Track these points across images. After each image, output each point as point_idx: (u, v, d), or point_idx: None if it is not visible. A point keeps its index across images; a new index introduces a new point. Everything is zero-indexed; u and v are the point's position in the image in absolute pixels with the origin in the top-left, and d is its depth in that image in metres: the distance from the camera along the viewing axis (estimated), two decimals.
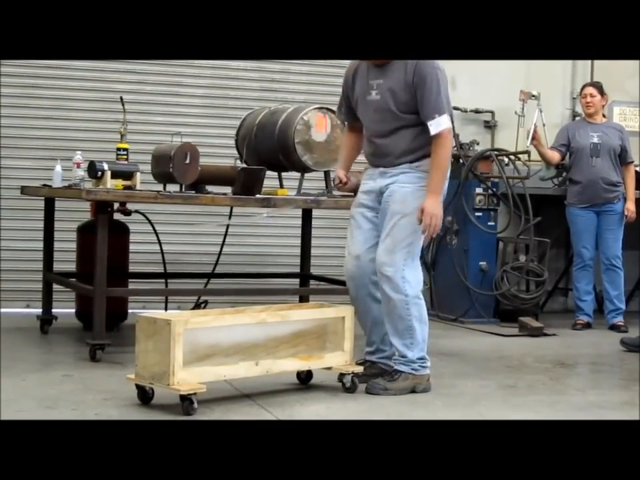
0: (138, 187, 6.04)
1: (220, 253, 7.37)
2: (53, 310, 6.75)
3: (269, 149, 6.60)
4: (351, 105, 5.26)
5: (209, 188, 6.26)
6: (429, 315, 5.19)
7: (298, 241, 7.58)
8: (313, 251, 7.55)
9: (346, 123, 5.51)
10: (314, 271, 7.58)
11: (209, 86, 8.27)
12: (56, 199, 6.66)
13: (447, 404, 4.85)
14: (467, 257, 8.00)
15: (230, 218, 7.24)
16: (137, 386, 4.57)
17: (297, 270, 7.61)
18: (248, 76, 8.34)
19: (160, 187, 6.22)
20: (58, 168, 6.40)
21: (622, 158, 7.91)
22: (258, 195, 6.06)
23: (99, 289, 5.67)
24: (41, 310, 6.77)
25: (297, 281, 7.61)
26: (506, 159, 8.21)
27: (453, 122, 5.12)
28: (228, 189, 6.15)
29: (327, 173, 6.57)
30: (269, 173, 6.33)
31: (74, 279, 6.55)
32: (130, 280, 6.96)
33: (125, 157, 6.25)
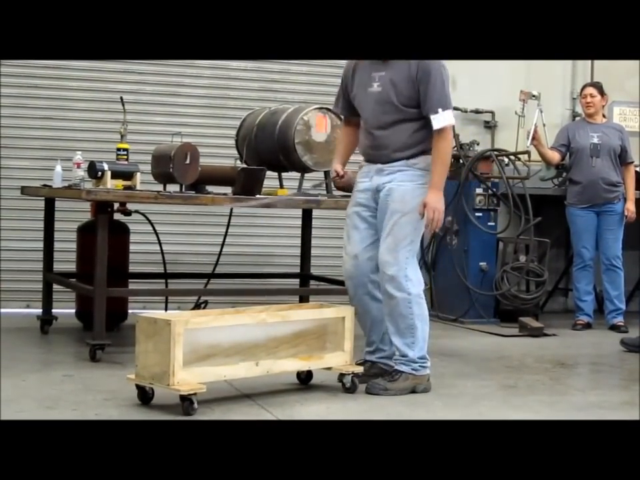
0: (138, 187, 6.04)
1: (220, 253, 7.37)
2: (53, 310, 6.75)
3: (269, 149, 6.60)
4: (348, 99, 5.25)
5: (209, 188, 6.26)
6: (429, 315, 5.19)
7: (298, 241, 7.58)
8: (313, 251, 7.56)
9: (342, 117, 5.51)
10: (314, 271, 7.58)
11: (209, 86, 8.27)
12: (56, 199, 6.65)
13: (447, 404, 4.85)
14: (467, 257, 8.00)
15: (230, 218, 7.24)
16: (137, 386, 4.57)
17: (297, 270, 7.61)
18: (248, 76, 8.34)
19: (160, 187, 6.22)
20: (58, 168, 6.40)
21: (622, 158, 7.91)
22: (258, 195, 6.05)
23: (99, 289, 5.67)
24: (41, 310, 6.77)
25: (297, 281, 7.61)
26: (506, 159, 8.21)
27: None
28: (228, 189, 6.15)
29: (327, 173, 6.57)
30: (269, 173, 6.33)
31: (74, 279, 6.55)
32: (130, 280, 6.95)
33: (125, 157, 6.25)
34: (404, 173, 5.04)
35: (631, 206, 7.86)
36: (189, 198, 5.99)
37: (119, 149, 6.26)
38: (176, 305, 7.60)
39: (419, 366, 5.07)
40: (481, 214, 8.01)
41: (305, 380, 5.18)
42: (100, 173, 5.95)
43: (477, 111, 8.81)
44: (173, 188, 6.13)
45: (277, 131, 6.49)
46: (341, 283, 6.50)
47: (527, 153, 8.01)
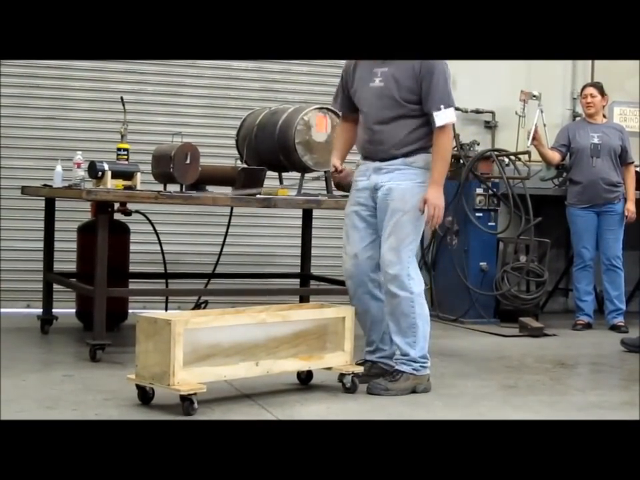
0: (138, 187, 6.04)
1: (220, 253, 7.37)
2: (54, 310, 6.75)
3: (269, 149, 6.60)
4: (348, 95, 5.24)
5: (210, 188, 6.26)
6: (429, 315, 5.19)
7: (298, 241, 7.58)
8: (313, 251, 7.56)
9: (340, 114, 5.50)
10: (314, 271, 7.58)
11: (210, 86, 8.27)
12: (56, 199, 6.65)
13: (447, 404, 4.85)
14: (467, 257, 8.00)
15: (230, 218, 7.24)
16: (137, 386, 4.57)
17: (297, 270, 7.61)
18: (248, 76, 8.34)
19: (160, 187, 6.22)
20: (58, 168, 6.40)
21: (622, 158, 7.91)
22: (258, 195, 6.06)
23: (99, 289, 5.67)
24: (41, 310, 6.77)
25: (297, 281, 7.61)
26: (506, 160, 8.20)
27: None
28: (228, 189, 6.15)
29: (327, 173, 6.56)
30: (269, 173, 6.33)
31: (74, 279, 6.55)
32: (130, 280, 6.96)
33: (126, 157, 6.25)
34: (402, 172, 5.05)
35: (631, 206, 7.86)
36: (189, 198, 5.99)
37: (119, 149, 6.27)
38: (176, 305, 7.60)
39: (420, 366, 5.07)
40: (481, 214, 8.01)
41: (305, 380, 5.18)
42: (100, 173, 5.95)
43: (477, 111, 8.81)
44: (173, 188, 6.13)
45: (277, 130, 6.49)
46: (341, 283, 6.51)
47: (527, 153, 8.01)
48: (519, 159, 8.21)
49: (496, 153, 8.17)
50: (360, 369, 5.09)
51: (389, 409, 4.69)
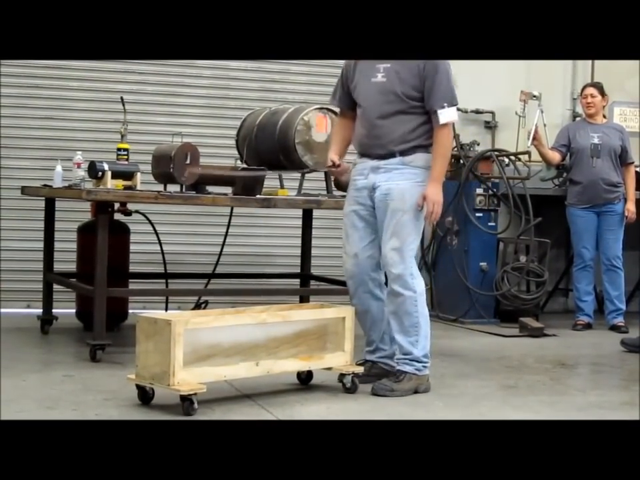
0: (138, 187, 6.04)
1: (220, 253, 7.37)
2: (54, 310, 6.75)
3: (269, 149, 6.60)
4: (347, 91, 5.23)
5: (210, 188, 6.26)
6: (429, 316, 5.20)
7: (298, 241, 7.58)
8: (314, 251, 7.55)
9: (338, 110, 5.50)
10: (314, 271, 7.58)
11: (209, 86, 8.27)
12: (56, 199, 6.65)
13: (448, 404, 4.85)
14: (467, 257, 8.00)
15: (230, 218, 7.24)
16: (138, 386, 4.57)
17: (298, 270, 7.61)
18: (248, 76, 8.34)
19: (160, 187, 6.21)
20: (58, 168, 6.40)
21: (622, 158, 7.91)
22: (258, 196, 6.05)
23: (99, 289, 5.66)
24: (41, 310, 6.77)
25: (297, 281, 7.61)
26: (506, 160, 8.20)
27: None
28: (228, 190, 6.14)
29: (327, 173, 6.56)
30: (269, 173, 6.32)
31: (74, 279, 6.55)
32: (130, 280, 6.95)
33: (126, 157, 6.25)
34: (401, 172, 5.05)
35: (631, 206, 7.86)
36: (189, 198, 5.99)
37: (119, 149, 6.26)
38: (176, 305, 7.60)
39: (422, 366, 5.07)
40: (481, 214, 8.01)
41: (305, 380, 5.18)
42: (100, 173, 5.95)
43: (477, 111, 8.81)
44: (173, 188, 6.13)
45: (278, 131, 6.49)
46: (341, 283, 6.51)
47: (528, 153, 8.01)
48: (519, 159, 8.21)
49: (496, 153, 8.17)
50: (360, 369, 5.09)
51: (388, 409, 4.69)
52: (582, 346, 7.09)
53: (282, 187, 6.65)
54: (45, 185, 6.61)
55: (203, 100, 8.26)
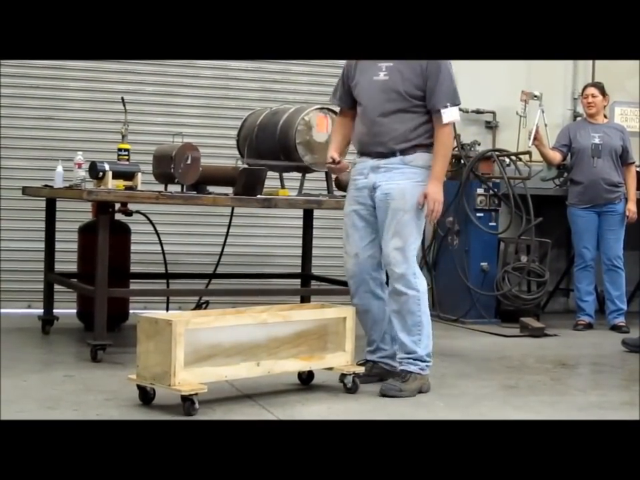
0: (139, 188, 6.04)
1: (221, 254, 7.37)
2: (54, 310, 6.75)
3: (270, 149, 6.59)
4: (348, 89, 5.24)
5: (210, 188, 6.26)
6: (430, 316, 5.20)
7: (299, 242, 7.58)
8: (314, 252, 7.55)
9: (338, 109, 5.50)
10: (315, 271, 7.58)
11: (210, 86, 8.27)
12: (57, 199, 6.65)
13: (449, 404, 4.85)
14: (468, 257, 8.00)
15: (231, 218, 7.24)
16: (138, 386, 4.57)
17: (298, 270, 7.61)
18: (249, 76, 8.34)
19: (161, 188, 6.21)
20: (59, 168, 6.41)
21: (623, 158, 7.91)
22: (259, 196, 6.06)
23: (100, 289, 5.67)
24: (42, 310, 6.77)
25: (298, 281, 7.61)
26: (507, 160, 8.20)
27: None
28: (229, 190, 6.15)
29: (328, 174, 6.57)
30: (270, 173, 6.33)
31: (75, 280, 6.55)
32: (131, 280, 6.95)
33: (126, 157, 6.25)
34: (401, 171, 5.05)
35: (632, 206, 7.86)
36: (190, 198, 6.00)
37: (120, 149, 6.26)
38: (177, 305, 7.60)
39: (425, 365, 5.09)
40: (482, 214, 8.01)
41: (306, 380, 5.18)
42: (101, 173, 5.95)
43: (478, 111, 8.81)
44: (174, 188, 6.13)
45: (278, 131, 6.49)
46: (342, 283, 6.51)
47: (528, 153, 8.01)
48: (520, 159, 8.21)
49: (497, 153, 8.17)
50: (361, 369, 5.09)
51: (389, 409, 4.69)
52: (583, 346, 7.09)
53: (282, 187, 6.64)
54: (46, 186, 6.61)
55: (203, 100, 8.26)
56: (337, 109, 5.61)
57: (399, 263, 5.01)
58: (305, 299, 7.12)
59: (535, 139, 7.85)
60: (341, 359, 5.04)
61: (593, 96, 7.93)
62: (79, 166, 6.23)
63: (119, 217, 6.65)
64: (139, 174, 6.08)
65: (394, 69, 5.01)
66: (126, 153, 6.25)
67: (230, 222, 7.26)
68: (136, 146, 6.90)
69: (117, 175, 5.99)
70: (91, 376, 5.24)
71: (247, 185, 5.99)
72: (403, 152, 5.05)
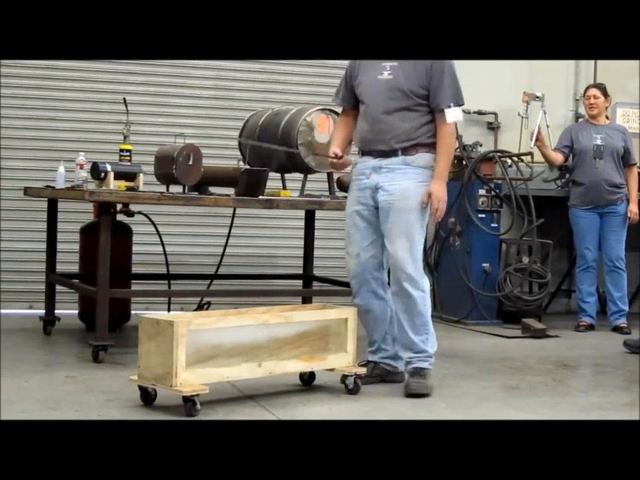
0: (141, 188, 6.04)
1: (223, 254, 7.37)
2: (56, 311, 6.75)
3: (271, 150, 6.58)
4: (351, 89, 5.24)
5: (212, 189, 6.26)
6: (431, 316, 5.22)
7: (301, 242, 7.58)
8: (316, 252, 7.55)
9: (341, 108, 5.50)
10: (317, 272, 7.58)
11: (212, 87, 8.27)
12: (59, 200, 6.65)
13: (450, 405, 4.85)
14: (469, 258, 8.00)
15: (233, 219, 7.25)
16: (140, 387, 4.57)
17: (300, 271, 7.61)
18: (251, 77, 8.34)
19: (163, 188, 6.21)
20: (61, 169, 6.41)
21: (625, 160, 7.91)
22: (261, 196, 6.05)
23: (101, 290, 5.67)
24: (43, 311, 6.77)
25: (299, 282, 7.61)
26: (509, 161, 8.20)
27: None
28: (231, 190, 6.14)
29: (329, 174, 6.57)
30: (271, 174, 6.33)
31: (77, 280, 6.56)
32: (133, 281, 6.95)
33: (128, 158, 6.25)
34: (403, 172, 5.06)
35: (634, 207, 7.86)
36: (191, 199, 6.00)
37: (121, 150, 6.27)
38: (179, 306, 7.61)
39: (432, 362, 5.16)
40: (483, 215, 8.01)
41: (307, 381, 5.18)
42: (103, 174, 5.95)
43: (479, 112, 8.81)
44: (175, 189, 6.13)
45: (280, 132, 6.49)
46: (344, 284, 6.52)
47: (530, 154, 8.00)
48: (522, 160, 8.20)
49: (499, 154, 8.17)
50: (362, 370, 5.09)
51: (391, 410, 4.69)
52: (584, 347, 7.09)
53: (284, 187, 6.64)
54: (48, 186, 6.61)
55: (205, 101, 8.25)
56: (339, 110, 5.62)
57: (408, 264, 5.03)
58: (306, 300, 7.12)
59: (536, 139, 7.85)
60: (342, 360, 5.04)
61: (595, 97, 7.92)
62: (81, 166, 6.23)
63: (120, 217, 6.65)
64: (141, 175, 6.08)
65: (398, 68, 5.02)
66: (128, 153, 6.25)
67: (232, 223, 7.26)
68: (138, 147, 6.91)
69: (118, 176, 5.99)
70: (93, 376, 5.24)
71: (248, 186, 5.99)
72: (405, 151, 5.05)
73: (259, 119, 6.84)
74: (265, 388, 4.96)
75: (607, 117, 8.15)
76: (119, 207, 6.50)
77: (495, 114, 8.87)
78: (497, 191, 8.07)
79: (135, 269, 7.05)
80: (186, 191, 6.08)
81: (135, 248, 6.96)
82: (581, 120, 8.72)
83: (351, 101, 5.28)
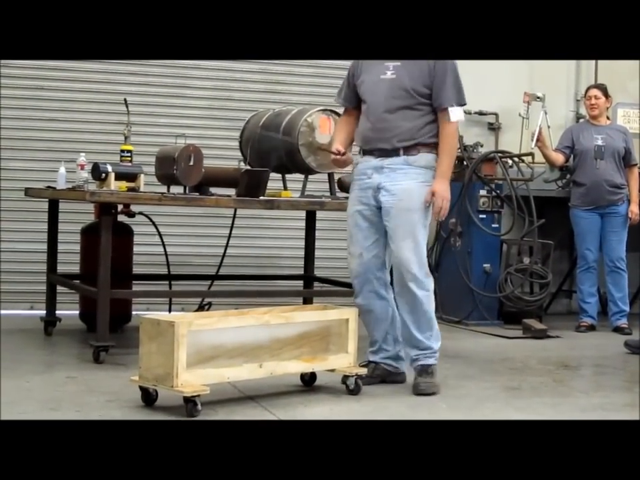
0: (142, 189, 6.04)
1: (224, 255, 7.37)
2: (57, 311, 6.75)
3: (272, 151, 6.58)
4: (353, 88, 5.25)
5: (213, 190, 6.26)
6: None
7: (302, 243, 7.57)
8: (317, 253, 7.55)
9: (343, 109, 5.49)
10: (318, 272, 7.57)
11: (213, 87, 8.27)
12: (60, 200, 6.66)
13: (451, 406, 4.85)
14: (470, 259, 8.00)
15: (234, 220, 7.25)
16: (141, 388, 4.57)
17: (301, 272, 7.60)
18: (252, 78, 8.34)
19: (164, 189, 6.22)
20: (62, 169, 6.41)
21: (626, 160, 7.91)
22: (262, 197, 6.05)
23: (102, 290, 5.67)
24: (44, 311, 6.77)
25: (300, 282, 7.60)
26: (510, 161, 8.20)
27: None
28: (232, 191, 6.15)
29: (330, 175, 6.57)
30: (272, 174, 6.33)
31: (78, 281, 6.56)
32: (134, 282, 6.95)
33: (129, 158, 6.25)
34: (405, 172, 5.06)
35: (634, 208, 7.86)
36: (192, 200, 6.00)
37: (122, 151, 6.27)
38: (180, 307, 7.60)
39: (436, 357, 5.19)
40: (484, 216, 8.01)
41: (308, 382, 5.18)
42: (104, 175, 5.96)
43: (480, 113, 8.81)
44: (176, 189, 6.13)
45: (281, 132, 6.48)
46: (345, 284, 6.52)
47: (531, 154, 8.00)
48: (523, 161, 8.20)
49: (499, 154, 8.17)
50: (363, 371, 5.09)
51: (392, 410, 4.69)
52: (585, 347, 7.09)
53: (285, 188, 6.64)
54: (49, 187, 6.61)
55: (206, 101, 8.26)
56: (340, 110, 5.62)
57: (413, 264, 5.05)
58: (307, 301, 7.12)
59: (537, 140, 7.85)
60: (343, 361, 5.04)
61: (596, 97, 7.92)
62: (82, 167, 6.23)
63: (121, 218, 6.65)
64: (142, 175, 6.09)
65: (401, 67, 5.03)
66: (129, 154, 6.25)
67: (232, 223, 7.26)
68: (139, 147, 6.91)
69: (119, 176, 6.00)
70: (94, 377, 5.24)
71: (249, 187, 5.99)
72: (406, 151, 5.05)
73: (260, 120, 6.83)
74: (266, 388, 4.96)
75: (607, 118, 8.15)
76: (119, 207, 6.50)
77: (496, 114, 8.87)
78: (498, 191, 8.07)
79: (136, 270, 7.05)
80: (187, 191, 6.08)
81: (135, 248, 6.96)
82: (581, 120, 8.71)
83: (353, 101, 5.29)
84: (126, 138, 6.33)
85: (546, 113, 8.25)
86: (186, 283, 7.64)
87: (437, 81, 5.00)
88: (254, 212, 7.35)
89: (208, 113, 8.24)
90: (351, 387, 5.00)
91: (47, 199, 6.73)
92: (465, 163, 8.12)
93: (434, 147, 5.09)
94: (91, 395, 4.80)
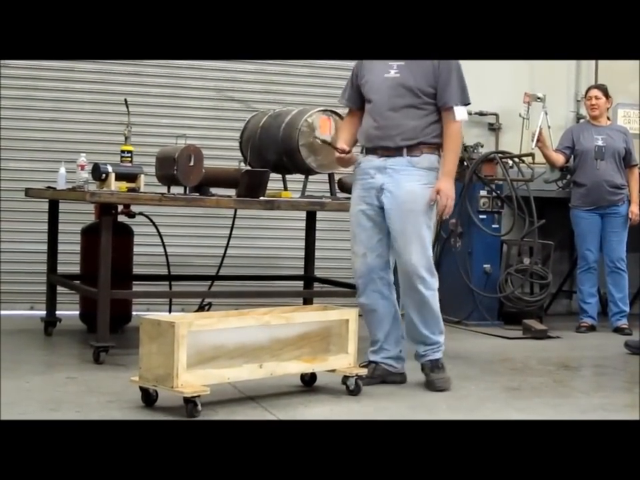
0: (142, 189, 6.04)
1: (224, 255, 7.37)
2: (57, 312, 6.75)
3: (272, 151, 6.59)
4: (357, 88, 5.25)
5: (213, 190, 6.26)
6: None
7: (302, 243, 7.57)
8: (317, 253, 7.54)
9: (347, 109, 5.50)
10: (318, 273, 7.57)
11: (213, 88, 8.27)
12: (60, 201, 6.66)
13: (451, 406, 4.85)
14: (471, 259, 8.00)
15: (234, 220, 7.25)
16: (141, 388, 4.57)
17: (301, 272, 7.60)
18: (252, 78, 8.34)
19: (164, 189, 6.22)
20: (62, 170, 6.41)
21: (626, 161, 7.91)
22: (262, 197, 6.05)
23: (102, 291, 5.67)
24: (44, 312, 6.77)
25: (300, 283, 7.60)
26: (510, 162, 8.20)
27: None
28: (232, 191, 6.14)
29: (331, 175, 6.56)
30: (272, 175, 6.33)
31: (78, 281, 6.56)
32: (134, 282, 6.95)
33: (129, 159, 6.25)
34: (408, 173, 5.07)
35: (635, 208, 7.86)
36: (192, 200, 6.00)
37: (123, 151, 6.27)
38: (180, 307, 7.60)
39: (443, 350, 5.30)
40: (485, 216, 8.01)
41: (308, 382, 5.17)
42: (104, 175, 5.96)
43: (481, 113, 8.81)
44: (177, 190, 6.13)
45: (281, 132, 6.48)
46: (345, 285, 6.52)
47: (531, 155, 8.00)
48: (523, 161, 8.20)
49: (500, 155, 8.16)
50: (364, 371, 5.09)
51: (392, 411, 4.69)
52: (585, 348, 7.09)
53: (285, 188, 6.64)
54: (49, 187, 6.61)
55: (206, 102, 8.26)
56: (341, 111, 5.62)
57: (421, 267, 5.08)
58: (307, 301, 7.12)
59: (537, 140, 7.85)
60: (343, 361, 5.04)
61: (596, 98, 7.92)
62: (82, 167, 6.23)
63: (121, 218, 6.65)
64: (142, 175, 6.09)
65: (405, 67, 5.05)
66: (129, 154, 6.25)
67: (233, 224, 7.26)
68: (139, 147, 6.91)
69: (119, 177, 6.00)
70: (94, 378, 5.24)
71: (249, 187, 5.99)
72: (410, 151, 5.06)
73: (260, 120, 6.83)
74: (266, 389, 4.96)
75: (608, 118, 8.15)
76: (120, 208, 6.50)
77: (496, 115, 8.87)
78: (498, 191, 8.07)
79: (136, 270, 7.05)
80: (187, 192, 6.08)
81: (136, 249, 6.96)
82: (582, 121, 8.72)
83: (357, 102, 5.29)
84: (126, 138, 6.33)
85: (546, 114, 8.25)
86: (186, 284, 7.63)
87: (442, 80, 5.02)
88: (254, 212, 7.35)
89: (208, 113, 8.24)
90: (351, 388, 5.00)
91: (47, 199, 6.73)
92: (465, 163, 8.11)
93: (437, 147, 5.10)
94: (91, 395, 4.80)
